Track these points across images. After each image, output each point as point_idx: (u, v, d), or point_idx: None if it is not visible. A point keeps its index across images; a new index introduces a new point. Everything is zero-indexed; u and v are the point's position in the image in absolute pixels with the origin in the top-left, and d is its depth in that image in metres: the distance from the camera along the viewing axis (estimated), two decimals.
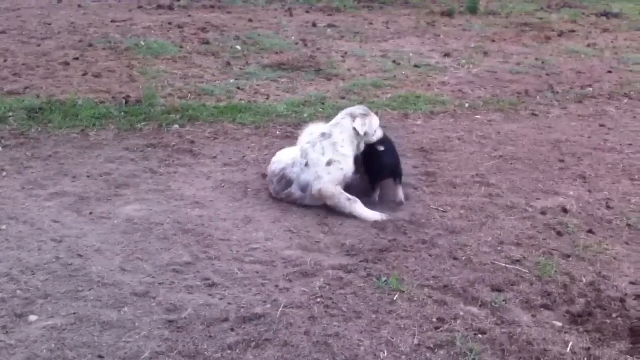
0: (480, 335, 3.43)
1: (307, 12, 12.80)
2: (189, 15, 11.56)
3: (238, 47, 9.49)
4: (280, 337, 3.34)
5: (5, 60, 8.06)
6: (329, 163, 4.79)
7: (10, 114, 6.19)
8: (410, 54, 9.65)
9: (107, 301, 3.55)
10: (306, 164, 4.83)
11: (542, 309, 3.72)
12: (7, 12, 11.01)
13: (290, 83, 8.06)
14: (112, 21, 10.68)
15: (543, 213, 4.89)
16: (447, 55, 9.76)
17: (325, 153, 4.81)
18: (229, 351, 3.22)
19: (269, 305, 3.59)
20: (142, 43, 9.22)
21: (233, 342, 3.28)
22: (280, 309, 3.56)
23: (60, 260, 3.91)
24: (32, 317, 3.39)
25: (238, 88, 7.64)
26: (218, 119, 6.54)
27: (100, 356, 3.14)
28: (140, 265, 3.93)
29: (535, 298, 3.80)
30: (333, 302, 3.65)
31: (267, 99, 7.37)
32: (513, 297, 3.80)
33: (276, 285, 3.79)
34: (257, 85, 7.84)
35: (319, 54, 9.36)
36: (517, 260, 4.20)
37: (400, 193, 5.00)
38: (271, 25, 11.11)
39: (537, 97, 7.97)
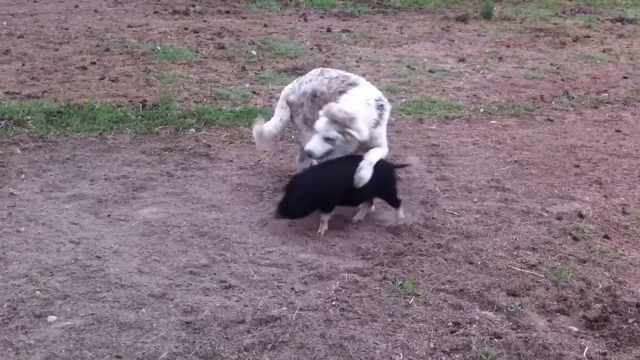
0: (496, 340, 3.43)
1: (321, 17, 12.83)
2: (205, 21, 11.62)
3: (253, 52, 9.53)
4: (297, 339, 3.36)
5: (23, 65, 8.15)
6: None
7: (29, 117, 6.25)
8: (425, 59, 9.66)
9: (125, 302, 3.59)
10: None
11: (558, 314, 3.72)
12: (25, 17, 11.11)
13: None
14: (128, 26, 10.76)
15: (559, 218, 4.88)
16: (461, 60, 9.75)
17: None
18: (245, 353, 3.25)
19: (285, 308, 3.61)
20: (159, 48, 9.28)
21: (249, 344, 3.31)
22: (297, 311, 3.58)
23: (79, 262, 3.96)
24: (51, 318, 3.43)
25: (254, 93, 7.68)
26: (234, 123, 6.58)
27: (118, 357, 3.18)
28: (158, 268, 3.96)
29: (551, 303, 3.80)
30: (349, 306, 3.67)
31: None
32: (529, 302, 3.80)
33: (292, 288, 3.82)
34: (273, 89, 7.86)
35: (334, 59, 9.38)
36: (533, 265, 4.20)
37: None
38: (286, 31, 11.15)
39: (553, 102, 7.95)
